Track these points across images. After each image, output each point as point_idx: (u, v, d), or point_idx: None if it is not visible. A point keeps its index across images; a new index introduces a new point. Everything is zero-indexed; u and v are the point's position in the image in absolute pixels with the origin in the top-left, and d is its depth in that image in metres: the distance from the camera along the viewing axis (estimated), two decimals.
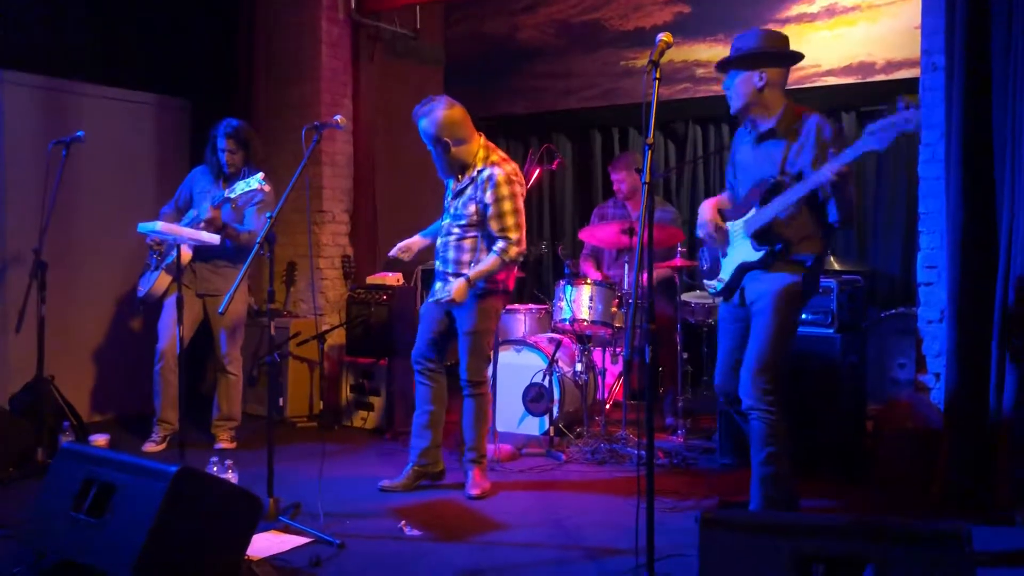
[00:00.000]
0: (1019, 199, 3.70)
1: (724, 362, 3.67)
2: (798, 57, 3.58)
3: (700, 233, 3.64)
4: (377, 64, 6.52)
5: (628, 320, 2.54)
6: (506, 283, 4.11)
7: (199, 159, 5.17)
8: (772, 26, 6.10)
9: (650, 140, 2.75)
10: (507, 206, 3.90)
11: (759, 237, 3.38)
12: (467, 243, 3.99)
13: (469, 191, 3.96)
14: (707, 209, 3.62)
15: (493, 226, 3.92)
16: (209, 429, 5.02)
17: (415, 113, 3.96)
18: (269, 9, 6.21)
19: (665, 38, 2.88)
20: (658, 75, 2.81)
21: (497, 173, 3.90)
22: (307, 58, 6.10)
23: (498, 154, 4.02)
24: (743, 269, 3.47)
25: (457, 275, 3.96)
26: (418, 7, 6.77)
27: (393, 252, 4.23)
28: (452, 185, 4.08)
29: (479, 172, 3.94)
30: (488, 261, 3.92)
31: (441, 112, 3.90)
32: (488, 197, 3.89)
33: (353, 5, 6.24)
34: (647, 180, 2.72)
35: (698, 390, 6.09)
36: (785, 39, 3.57)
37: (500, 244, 3.92)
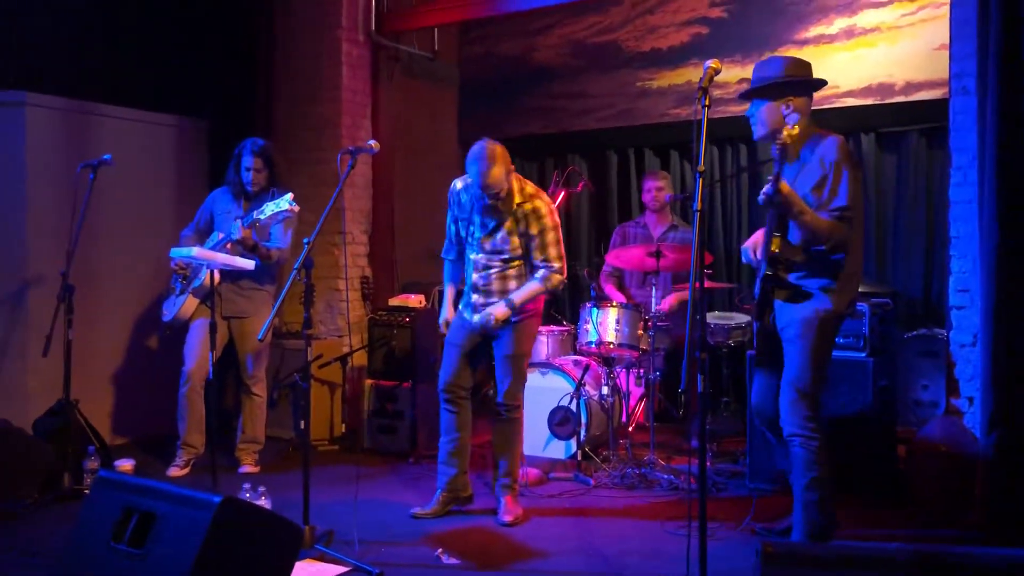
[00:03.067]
0: None
1: (761, 383, 3.67)
2: (821, 84, 3.58)
3: (744, 259, 3.65)
4: (396, 85, 6.52)
5: (685, 351, 2.52)
6: (539, 304, 4.16)
7: (218, 180, 5.15)
8: (791, 47, 6.12)
9: (701, 167, 2.73)
10: (551, 237, 3.99)
11: (768, 260, 3.40)
12: (512, 272, 4.03)
13: (509, 225, 3.97)
14: (755, 235, 3.63)
15: (537, 256, 4.00)
16: (232, 452, 4.98)
17: (480, 167, 3.81)
18: (289, 30, 6.21)
19: (713, 64, 2.87)
20: (707, 102, 2.79)
21: (540, 206, 3.99)
22: (327, 79, 6.10)
23: (531, 185, 4.07)
24: (763, 282, 3.45)
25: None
26: (435, 28, 6.78)
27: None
28: (478, 220, 4.05)
29: (519, 206, 3.96)
30: (531, 287, 3.99)
31: (499, 151, 3.86)
32: (533, 228, 3.97)
33: (373, 26, 6.25)
34: (699, 208, 2.70)
35: (718, 412, 6.06)
36: (808, 66, 3.57)
37: (543, 272, 4.00)
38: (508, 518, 3.96)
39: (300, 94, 6.18)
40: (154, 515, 2.90)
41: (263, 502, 3.72)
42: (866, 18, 5.91)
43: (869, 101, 5.94)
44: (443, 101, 7.33)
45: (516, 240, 3.97)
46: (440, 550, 3.55)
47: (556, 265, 4.01)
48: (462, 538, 3.79)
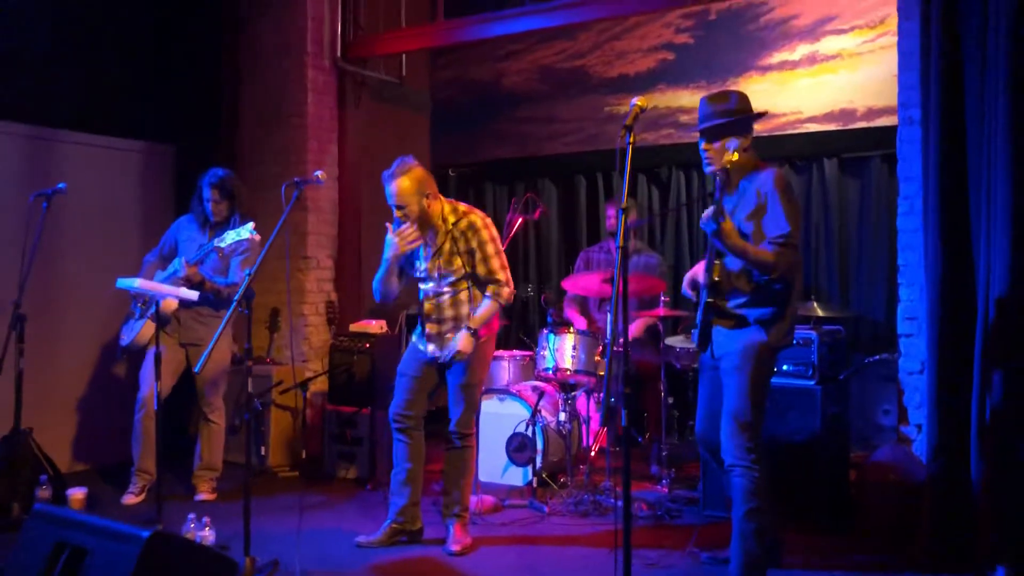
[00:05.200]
0: (995, 252, 3.72)
1: (703, 410, 3.68)
2: (763, 115, 3.66)
3: (684, 292, 3.71)
4: (363, 110, 6.56)
5: (606, 374, 2.53)
6: (492, 329, 4.13)
7: (184, 205, 5.18)
8: (754, 73, 6.18)
9: (624, 204, 2.75)
10: (490, 249, 3.96)
11: (708, 287, 3.43)
12: (463, 295, 4.01)
13: (448, 247, 3.97)
14: (695, 269, 3.69)
15: (480, 271, 3.97)
16: (190, 479, 4.98)
17: (386, 176, 3.90)
18: (254, 56, 6.26)
19: (639, 102, 2.90)
20: (632, 139, 2.81)
21: (475, 220, 3.97)
22: (293, 104, 6.14)
23: (463, 205, 4.07)
24: (705, 310, 3.48)
25: (456, 330, 3.98)
26: (403, 54, 6.83)
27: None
28: (421, 251, 4.06)
29: (454, 225, 3.96)
30: (485, 307, 3.97)
31: (417, 171, 3.90)
32: (472, 243, 3.95)
33: (339, 52, 6.29)
34: (621, 244, 2.72)
35: (684, 436, 6.07)
36: (748, 98, 3.59)
37: (492, 288, 3.98)
38: (456, 548, 3.96)
39: (266, 120, 6.22)
40: (85, 550, 2.90)
41: (207, 533, 3.72)
42: (828, 45, 5.96)
43: (831, 126, 5.99)
44: (415, 126, 7.37)
45: (459, 260, 3.96)
46: None
47: (500, 277, 3.97)
48: (407, 568, 3.79)
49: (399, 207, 3.89)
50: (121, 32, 5.85)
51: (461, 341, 3.92)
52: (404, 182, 3.85)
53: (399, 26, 6.56)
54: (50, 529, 3.04)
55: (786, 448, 4.23)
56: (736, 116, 3.45)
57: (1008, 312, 3.66)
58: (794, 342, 4.18)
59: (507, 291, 3.99)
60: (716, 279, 3.40)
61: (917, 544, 3.90)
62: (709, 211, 3.22)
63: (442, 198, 4.02)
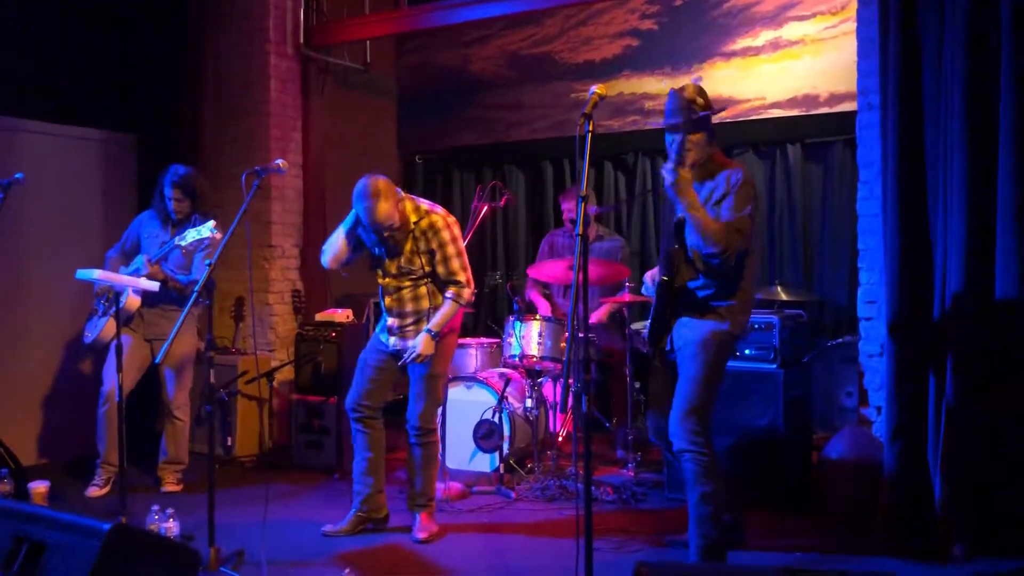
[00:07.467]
0: (952, 237, 3.78)
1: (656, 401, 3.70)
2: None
3: (644, 292, 3.70)
4: (327, 97, 6.51)
5: (568, 360, 2.56)
6: (454, 322, 4.12)
7: (147, 196, 5.12)
8: (718, 60, 6.22)
9: (584, 192, 2.75)
10: (451, 250, 3.96)
11: (665, 265, 3.46)
12: (423, 290, 4.01)
13: (409, 245, 3.97)
14: (653, 270, 3.69)
15: (440, 271, 3.97)
16: (155, 471, 4.95)
17: (363, 204, 3.81)
18: (217, 44, 6.19)
19: (599, 90, 2.90)
20: (592, 127, 2.82)
21: (436, 220, 3.96)
22: (255, 92, 6.08)
23: (425, 203, 4.05)
24: (667, 302, 3.49)
25: (417, 323, 3.99)
26: (368, 40, 6.78)
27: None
28: (384, 247, 4.04)
29: (415, 224, 3.95)
30: (445, 309, 3.97)
31: (383, 185, 3.84)
32: (433, 244, 3.94)
33: (302, 39, 6.24)
34: (580, 232, 2.72)
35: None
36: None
37: (452, 289, 3.98)
38: (422, 535, 3.97)
39: (229, 108, 6.16)
40: (44, 544, 2.87)
41: (171, 524, 3.70)
42: (790, 31, 6.01)
43: (795, 112, 6.04)
44: (380, 113, 7.34)
45: (419, 260, 3.96)
46: (348, 570, 3.55)
47: (460, 278, 3.97)
48: (373, 556, 3.80)
49: (386, 227, 3.87)
50: (81, 19, 5.76)
51: (421, 344, 3.94)
52: (384, 205, 3.81)
53: (363, 12, 6.52)
54: (9, 523, 2.99)
55: (749, 431, 4.28)
56: (708, 111, 3.45)
57: (964, 295, 3.72)
58: (756, 326, 4.26)
59: (468, 292, 4.00)
60: (678, 265, 3.41)
61: (877, 523, 3.97)
62: (670, 162, 3.24)
63: (406, 196, 4.00)
